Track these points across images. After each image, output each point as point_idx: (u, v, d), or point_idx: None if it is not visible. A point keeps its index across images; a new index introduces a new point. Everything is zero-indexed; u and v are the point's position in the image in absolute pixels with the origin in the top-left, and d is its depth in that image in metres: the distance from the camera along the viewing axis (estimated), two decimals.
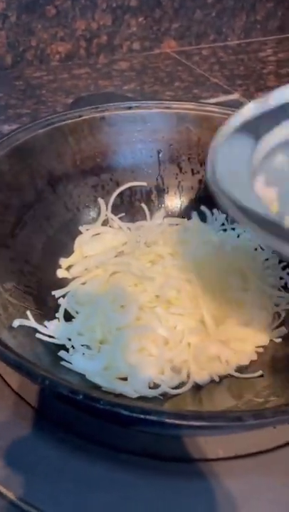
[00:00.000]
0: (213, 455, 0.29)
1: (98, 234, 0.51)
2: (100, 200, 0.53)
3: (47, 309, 0.44)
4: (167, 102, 0.55)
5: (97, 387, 0.37)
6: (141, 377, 0.38)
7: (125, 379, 0.37)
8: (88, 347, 0.40)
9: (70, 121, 0.51)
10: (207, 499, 0.27)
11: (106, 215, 0.53)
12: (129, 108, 0.54)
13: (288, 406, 0.24)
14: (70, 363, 0.38)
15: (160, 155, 0.56)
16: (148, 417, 0.22)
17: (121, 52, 0.91)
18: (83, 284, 0.45)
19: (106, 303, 0.41)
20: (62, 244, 0.50)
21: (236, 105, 0.75)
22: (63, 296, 0.45)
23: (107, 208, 0.53)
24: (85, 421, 0.29)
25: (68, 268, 0.48)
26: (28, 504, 0.26)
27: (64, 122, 0.50)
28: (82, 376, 0.38)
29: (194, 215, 0.55)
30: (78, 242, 0.50)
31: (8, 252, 0.43)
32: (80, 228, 0.51)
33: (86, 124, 0.52)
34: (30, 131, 0.48)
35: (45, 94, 0.75)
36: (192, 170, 0.56)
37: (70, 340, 0.41)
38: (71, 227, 0.51)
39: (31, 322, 0.40)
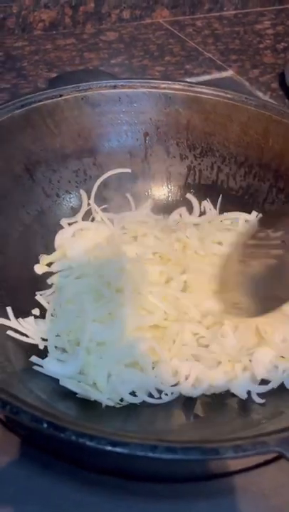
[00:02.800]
0: (186, 476, 0.28)
1: (80, 229, 0.47)
2: (82, 192, 0.49)
3: (20, 305, 0.41)
4: (155, 81, 0.51)
5: (71, 392, 0.35)
6: (121, 388, 0.35)
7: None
8: (64, 349, 0.38)
9: (48, 101, 0.47)
10: None
11: (88, 205, 0.49)
12: (114, 87, 0.50)
13: (268, 436, 0.22)
14: (42, 367, 0.36)
15: (147, 138, 0.53)
16: (115, 449, 0.20)
17: (109, 21, 0.85)
18: (66, 281, 0.42)
19: (91, 310, 0.37)
20: (41, 236, 0.46)
21: (229, 84, 0.72)
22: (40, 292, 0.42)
23: (89, 198, 0.50)
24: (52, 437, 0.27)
25: (48, 265, 0.45)
26: None
27: (42, 103, 0.46)
28: (56, 381, 0.35)
29: (182, 211, 0.51)
30: (59, 239, 0.46)
31: None
32: (61, 222, 0.47)
33: (66, 104, 0.48)
34: (5, 112, 0.44)
35: (27, 67, 0.70)
36: (180, 155, 0.53)
37: (44, 340, 0.38)
38: (50, 216, 0.48)
39: (11, 322, 0.37)
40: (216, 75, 0.74)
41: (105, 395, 0.33)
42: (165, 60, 0.77)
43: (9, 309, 0.38)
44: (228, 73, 0.75)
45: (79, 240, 0.46)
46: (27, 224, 0.46)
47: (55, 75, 0.68)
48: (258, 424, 0.29)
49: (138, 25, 0.87)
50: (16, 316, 0.39)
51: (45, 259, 0.44)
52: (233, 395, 0.36)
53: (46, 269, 0.44)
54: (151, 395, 0.35)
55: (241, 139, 0.50)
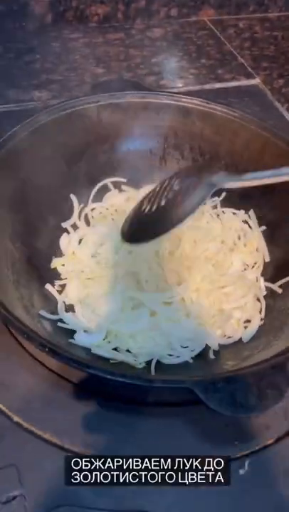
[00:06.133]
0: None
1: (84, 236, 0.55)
2: (72, 197, 0.57)
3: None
4: (177, 95, 0.61)
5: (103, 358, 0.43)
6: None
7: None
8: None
9: (87, 105, 0.58)
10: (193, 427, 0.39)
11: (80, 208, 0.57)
12: (143, 97, 0.61)
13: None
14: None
15: (166, 141, 0.63)
16: (116, 378, 0.33)
17: (157, 18, 0.94)
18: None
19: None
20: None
21: (254, 92, 0.79)
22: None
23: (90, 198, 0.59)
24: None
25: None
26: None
27: (82, 107, 0.58)
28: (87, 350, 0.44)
29: None
30: (65, 244, 0.54)
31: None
32: (63, 224, 0.55)
33: (102, 109, 0.59)
34: (50, 114, 0.55)
35: (78, 60, 0.81)
36: (192, 158, 0.63)
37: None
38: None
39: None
40: (244, 82, 0.82)
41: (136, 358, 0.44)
42: (201, 62, 0.85)
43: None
44: (255, 81, 0.83)
45: (85, 245, 0.54)
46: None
47: (101, 70, 0.79)
48: None
49: (183, 23, 0.95)
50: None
51: (56, 261, 0.51)
52: None
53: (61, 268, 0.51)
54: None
55: (243, 152, 0.60)
